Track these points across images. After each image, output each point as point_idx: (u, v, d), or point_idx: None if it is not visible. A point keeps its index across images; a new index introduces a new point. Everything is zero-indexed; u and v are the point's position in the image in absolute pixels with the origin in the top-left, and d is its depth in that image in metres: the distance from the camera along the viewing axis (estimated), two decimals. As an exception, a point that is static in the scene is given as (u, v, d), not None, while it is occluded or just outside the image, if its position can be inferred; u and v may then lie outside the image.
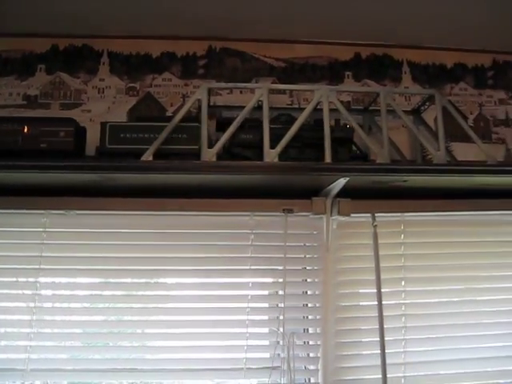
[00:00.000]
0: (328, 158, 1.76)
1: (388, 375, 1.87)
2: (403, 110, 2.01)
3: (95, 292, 1.93)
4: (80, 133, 1.86)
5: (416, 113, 2.14)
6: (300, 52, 2.31)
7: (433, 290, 2.03)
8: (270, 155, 1.76)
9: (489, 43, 2.38)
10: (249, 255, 1.95)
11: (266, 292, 2.03)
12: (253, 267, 1.94)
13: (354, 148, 2.00)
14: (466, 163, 1.94)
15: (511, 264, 2.09)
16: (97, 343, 1.92)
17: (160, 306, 1.93)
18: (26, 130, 1.77)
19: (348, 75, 2.29)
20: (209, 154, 1.76)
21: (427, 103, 2.07)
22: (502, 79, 2.41)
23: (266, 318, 1.99)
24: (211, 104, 2.10)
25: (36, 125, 1.78)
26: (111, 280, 1.94)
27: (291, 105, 2.22)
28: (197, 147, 1.78)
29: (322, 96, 1.85)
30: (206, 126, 1.78)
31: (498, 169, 1.85)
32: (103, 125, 1.82)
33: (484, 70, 2.40)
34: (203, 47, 2.29)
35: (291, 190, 1.92)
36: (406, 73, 2.32)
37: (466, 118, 2.30)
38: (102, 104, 2.21)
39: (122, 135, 1.80)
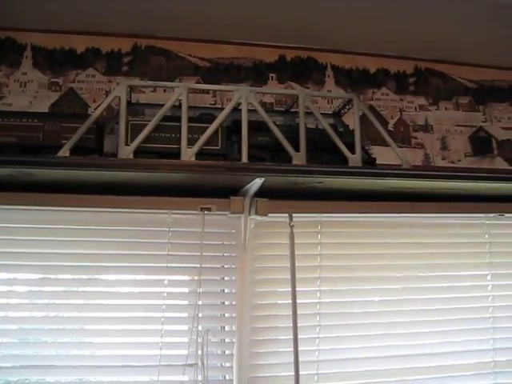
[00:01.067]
0: (244, 159, 1.83)
1: (301, 372, 1.94)
2: (325, 113, 2.10)
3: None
4: (100, 130, 1.86)
5: (336, 116, 2.23)
6: (225, 52, 2.36)
7: (348, 289, 2.12)
8: (187, 154, 1.81)
9: (411, 50, 2.49)
10: (166, 253, 1.99)
11: (186, 289, 2.06)
12: (170, 265, 1.98)
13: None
14: (381, 167, 2.01)
15: (421, 265, 2.21)
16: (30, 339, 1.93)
17: (73, 302, 1.96)
18: (47, 127, 1.79)
19: (272, 77, 2.36)
20: (126, 151, 1.80)
21: (347, 107, 2.16)
22: (423, 86, 2.53)
23: (185, 315, 2.03)
24: (134, 101, 2.13)
25: (57, 121, 1.81)
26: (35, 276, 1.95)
27: (214, 104, 2.27)
28: (218, 147, 1.85)
29: (241, 97, 1.91)
30: (124, 124, 1.82)
31: (409, 173, 1.94)
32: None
33: (406, 76, 2.52)
34: (128, 44, 2.32)
35: (210, 189, 1.96)
36: (329, 76, 2.41)
37: (386, 123, 2.40)
38: (24, 98, 2.21)
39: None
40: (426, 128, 2.45)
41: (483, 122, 2.56)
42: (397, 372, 2.10)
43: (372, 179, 1.89)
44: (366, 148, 2.18)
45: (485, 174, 2.06)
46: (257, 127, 1.90)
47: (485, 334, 2.25)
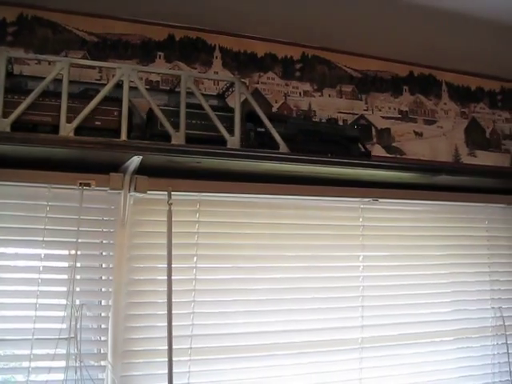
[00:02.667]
0: (124, 136, 1.91)
1: (175, 346, 2.04)
2: (211, 95, 2.22)
3: None
4: (130, 113, 2.01)
5: (221, 97, 2.35)
6: (114, 28, 2.38)
7: (223, 267, 2.25)
8: (66, 129, 1.88)
9: (299, 37, 2.63)
10: (43, 227, 2.05)
11: (66, 264, 2.11)
12: (46, 239, 2.04)
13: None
14: (257, 150, 2.13)
15: (299, 245, 2.39)
16: None
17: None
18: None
19: (160, 56, 2.44)
20: (3, 124, 1.84)
21: (231, 89, 2.28)
22: (309, 72, 2.68)
23: (64, 289, 2.08)
24: (18, 73, 2.16)
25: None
26: None
27: (100, 80, 2.33)
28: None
29: (123, 74, 1.99)
30: (2, 94, 1.86)
31: (281, 156, 2.09)
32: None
33: (293, 62, 2.66)
34: (14, 14, 2.30)
35: (90, 165, 2.03)
36: (217, 58, 2.51)
37: (270, 107, 2.54)
38: None
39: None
40: (310, 113, 2.60)
41: (365, 110, 2.75)
42: (268, 347, 2.25)
43: (246, 161, 2.02)
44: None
45: (359, 161, 2.22)
46: (270, 119, 2.17)
47: (355, 312, 2.44)
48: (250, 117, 2.15)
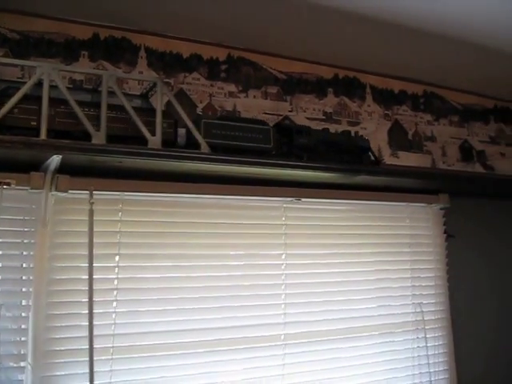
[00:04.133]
0: (43, 135, 1.93)
1: (97, 345, 2.09)
2: (135, 95, 2.26)
3: None
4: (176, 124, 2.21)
5: (145, 97, 2.39)
6: (36, 26, 2.37)
7: (145, 265, 2.29)
8: (-15, 127, 1.89)
9: (225, 38, 2.68)
10: (-40, 226, 2.04)
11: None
12: (-36, 238, 2.04)
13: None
14: (179, 150, 2.18)
15: (223, 244, 2.46)
16: None
17: None
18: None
19: (84, 55, 2.45)
20: None
21: (154, 89, 2.32)
22: (235, 73, 2.74)
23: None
24: None
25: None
26: None
27: (22, 78, 2.33)
28: (270, 146, 2.35)
29: (43, 73, 2.01)
30: None
31: (205, 156, 2.15)
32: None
33: (218, 63, 2.72)
34: None
35: (11, 164, 2.04)
36: (142, 58, 2.54)
37: (195, 107, 2.59)
38: None
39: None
40: (234, 113, 2.66)
41: (289, 111, 2.83)
42: (191, 345, 2.31)
43: (167, 161, 2.07)
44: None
45: (276, 161, 2.29)
46: (298, 131, 2.50)
47: (277, 309, 2.51)
48: (280, 130, 2.47)
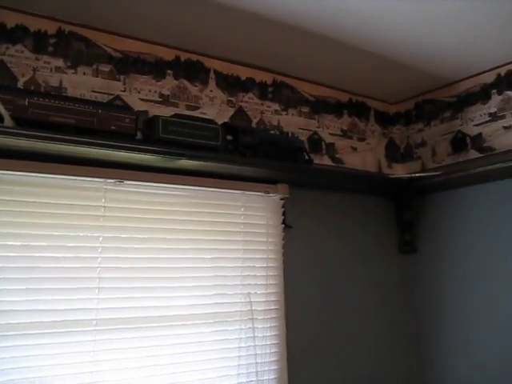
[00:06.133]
0: None
1: None
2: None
3: None
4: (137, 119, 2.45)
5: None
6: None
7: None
8: None
9: (56, 12, 2.61)
10: None
11: None
12: None
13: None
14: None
15: (33, 224, 2.40)
16: None
17: None
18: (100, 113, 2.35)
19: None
20: None
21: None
22: (64, 48, 2.66)
23: None
24: None
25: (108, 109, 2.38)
26: None
27: None
28: (218, 143, 2.65)
29: None
30: None
31: (7, 130, 2.09)
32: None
33: (46, 37, 2.63)
34: None
35: None
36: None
37: (16, 80, 2.51)
38: None
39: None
40: (60, 90, 2.60)
41: (122, 91, 2.78)
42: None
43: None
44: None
45: (85, 140, 2.26)
46: (244, 131, 2.84)
47: (91, 293, 2.47)
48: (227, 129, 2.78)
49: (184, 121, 2.55)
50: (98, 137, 2.31)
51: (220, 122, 2.95)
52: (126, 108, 2.50)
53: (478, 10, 2.63)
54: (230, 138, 2.73)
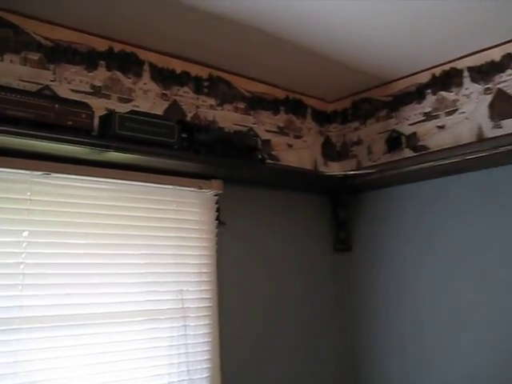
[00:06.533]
0: None
1: None
2: None
3: None
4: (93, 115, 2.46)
5: None
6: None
7: None
8: None
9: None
10: None
11: None
12: None
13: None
14: None
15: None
16: None
17: None
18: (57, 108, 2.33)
19: None
20: None
21: None
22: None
23: None
24: None
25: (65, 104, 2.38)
26: None
27: None
28: (173, 140, 2.70)
29: None
30: None
31: None
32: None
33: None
34: None
35: None
36: None
37: None
38: None
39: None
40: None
41: (52, 81, 2.69)
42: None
43: None
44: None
45: (26, 132, 2.19)
46: (198, 129, 2.91)
47: (13, 290, 2.37)
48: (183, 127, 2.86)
49: (140, 117, 2.58)
50: (55, 131, 2.31)
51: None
52: (83, 103, 2.47)
53: (414, 11, 2.65)
54: (185, 135, 2.77)
